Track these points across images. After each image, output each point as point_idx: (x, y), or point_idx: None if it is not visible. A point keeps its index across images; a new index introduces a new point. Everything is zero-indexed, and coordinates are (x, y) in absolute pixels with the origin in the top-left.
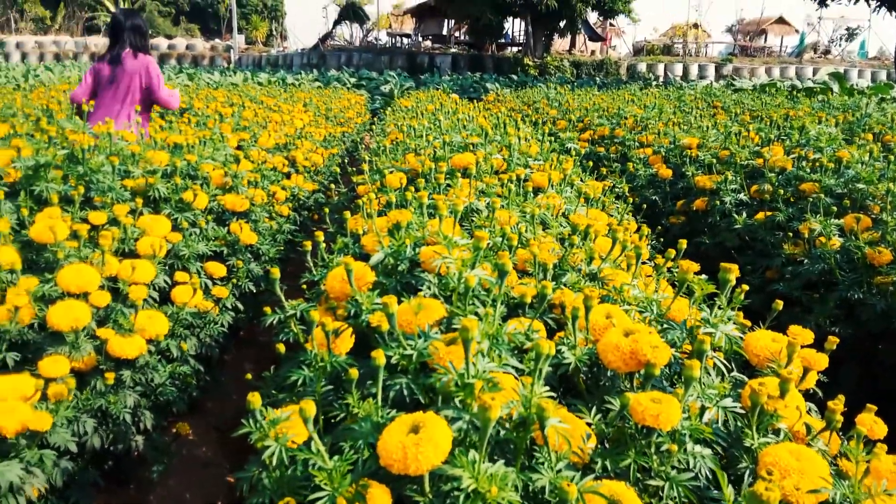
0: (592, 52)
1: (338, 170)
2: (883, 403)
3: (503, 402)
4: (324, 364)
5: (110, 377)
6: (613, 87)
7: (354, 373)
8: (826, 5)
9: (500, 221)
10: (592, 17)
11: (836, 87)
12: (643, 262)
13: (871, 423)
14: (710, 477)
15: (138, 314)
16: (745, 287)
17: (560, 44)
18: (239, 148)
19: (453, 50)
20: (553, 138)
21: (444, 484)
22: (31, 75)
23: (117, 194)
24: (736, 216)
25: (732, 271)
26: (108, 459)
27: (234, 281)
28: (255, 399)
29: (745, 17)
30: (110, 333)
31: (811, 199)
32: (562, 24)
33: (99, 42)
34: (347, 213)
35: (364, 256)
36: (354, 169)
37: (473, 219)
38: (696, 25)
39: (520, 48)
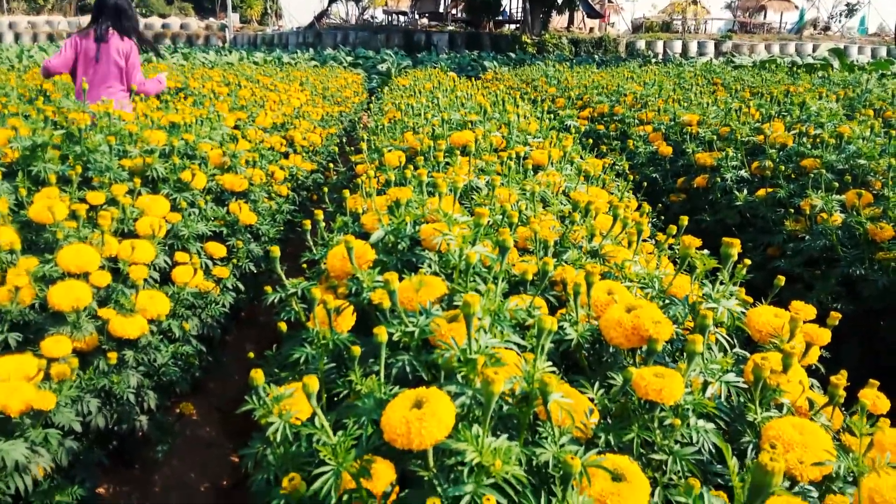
0: (591, 30)
1: (336, 149)
2: (885, 379)
3: (506, 377)
4: (326, 342)
5: (113, 357)
6: (612, 64)
7: (357, 350)
8: None
9: (500, 199)
10: None
11: (836, 64)
12: (644, 240)
13: (873, 397)
14: (713, 451)
15: (139, 294)
16: (748, 262)
17: (558, 21)
18: (236, 128)
19: (450, 28)
20: (552, 116)
21: (447, 458)
22: (26, 56)
23: (115, 174)
24: (737, 193)
25: (734, 246)
26: (113, 439)
27: (235, 261)
28: (258, 375)
29: None
30: (111, 313)
31: (812, 175)
32: (559, 0)
33: None
34: (346, 192)
35: (364, 235)
36: (352, 148)
37: (473, 197)
38: (695, 2)
39: (517, 25)
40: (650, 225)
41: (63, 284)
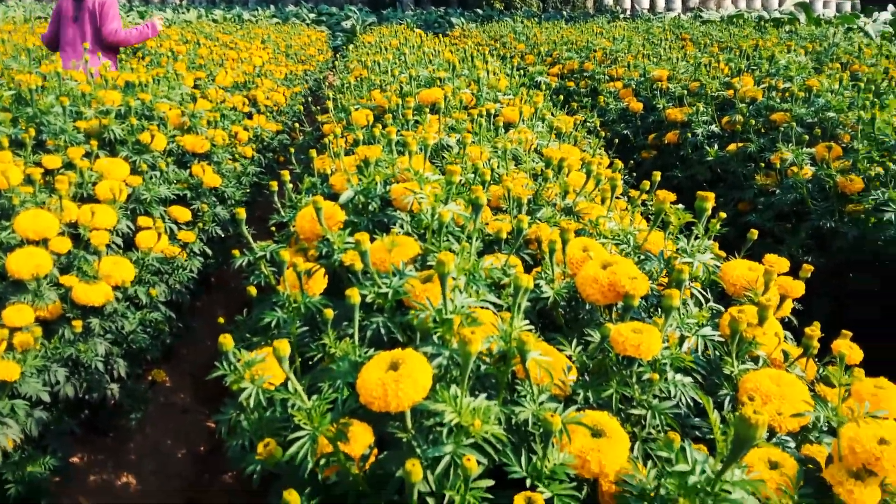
0: None
1: (301, 109)
2: (855, 330)
3: (483, 337)
4: (297, 305)
5: (78, 325)
6: (581, 20)
7: (330, 313)
8: None
9: (471, 157)
10: None
11: (802, 18)
12: (617, 197)
13: (846, 348)
14: (692, 404)
15: (102, 260)
16: (722, 215)
17: None
18: (196, 87)
19: None
20: (522, 73)
21: (426, 419)
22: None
23: (70, 137)
24: (708, 148)
25: (709, 199)
26: (84, 409)
27: (201, 225)
28: (227, 341)
29: None
30: (74, 281)
31: (782, 129)
32: None
33: None
34: (314, 152)
35: (333, 196)
36: (318, 108)
37: (444, 155)
38: None
39: None
40: (623, 182)
41: (22, 251)
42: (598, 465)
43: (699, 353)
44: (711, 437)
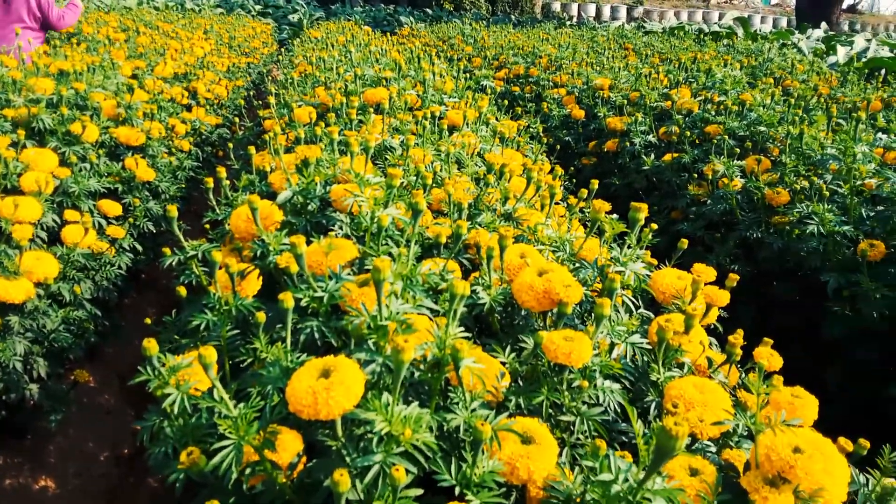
0: None
1: (243, 103)
2: (778, 338)
3: (417, 344)
4: (228, 307)
5: None
6: (529, 25)
7: (261, 316)
8: None
9: (414, 160)
10: None
11: (740, 32)
12: (557, 203)
13: (767, 355)
14: (619, 410)
15: (24, 255)
16: (654, 226)
17: None
18: (133, 77)
19: None
20: (468, 75)
21: (357, 428)
22: None
23: None
24: (645, 157)
25: (642, 210)
26: (1, 410)
27: (132, 220)
28: (151, 345)
29: None
30: None
31: (715, 141)
32: None
33: None
34: (252, 149)
35: (272, 195)
36: (261, 102)
37: (387, 157)
38: None
39: None
40: (563, 188)
41: None
42: (526, 471)
43: (628, 360)
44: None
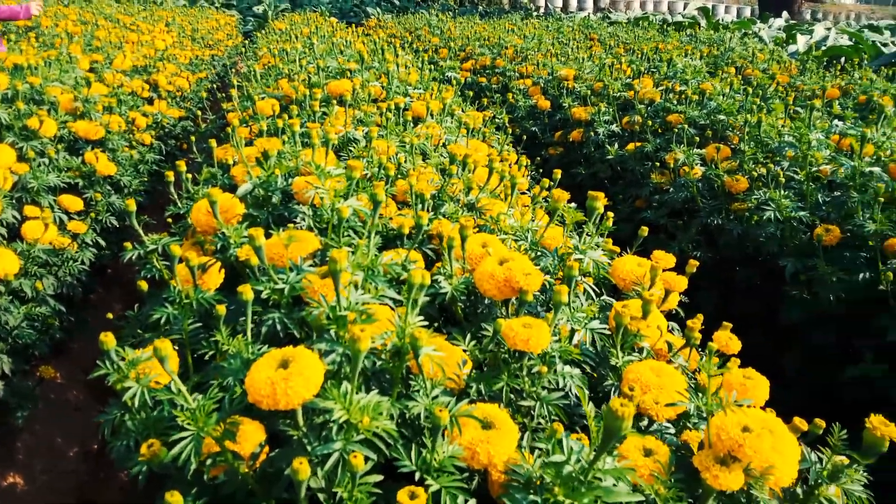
0: None
1: (207, 95)
2: (739, 322)
3: (378, 333)
4: (189, 301)
5: None
6: (496, 16)
7: (221, 309)
8: None
9: (378, 151)
10: None
11: (703, 22)
12: (522, 192)
13: (726, 339)
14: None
15: None
16: (611, 215)
17: None
18: (92, 71)
19: None
20: (433, 67)
21: (317, 417)
22: None
23: None
24: (609, 147)
25: (599, 199)
26: None
27: (94, 215)
28: (108, 339)
29: None
30: None
31: (676, 130)
32: None
33: None
34: (213, 142)
35: (234, 188)
36: (225, 95)
37: (351, 148)
38: None
39: None
40: (529, 177)
41: None
42: (486, 456)
43: (589, 345)
44: None
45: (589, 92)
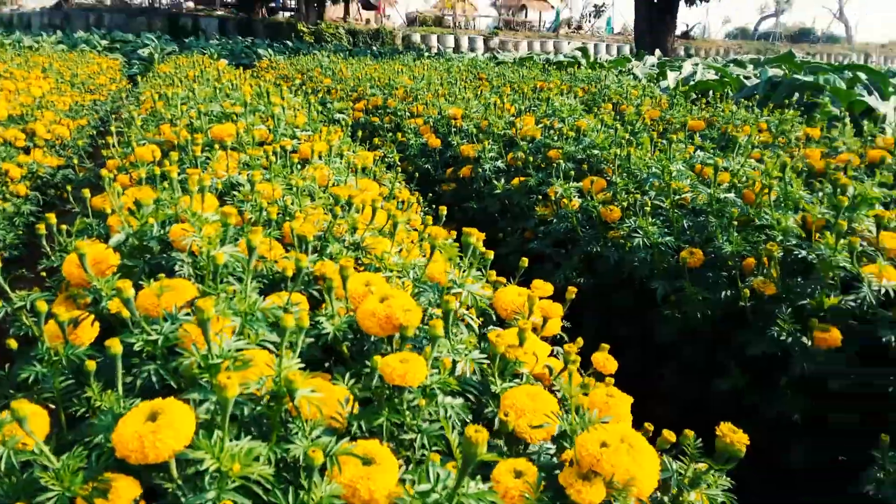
0: (367, 21)
1: (86, 143)
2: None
3: (255, 378)
4: (59, 358)
5: None
6: (389, 56)
7: (91, 365)
8: None
9: (263, 195)
10: None
11: (583, 61)
12: (414, 229)
13: (603, 360)
14: (467, 422)
15: None
16: (491, 253)
17: (333, 10)
18: None
19: (220, 12)
20: (324, 108)
21: (190, 468)
22: None
23: None
24: (496, 182)
25: (473, 235)
26: None
27: None
28: None
29: None
30: None
31: (556, 165)
32: None
33: None
34: (87, 191)
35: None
36: (104, 142)
37: (235, 193)
38: None
39: (292, 13)
40: (422, 213)
41: None
42: (367, 492)
43: (471, 376)
44: None
45: (476, 130)
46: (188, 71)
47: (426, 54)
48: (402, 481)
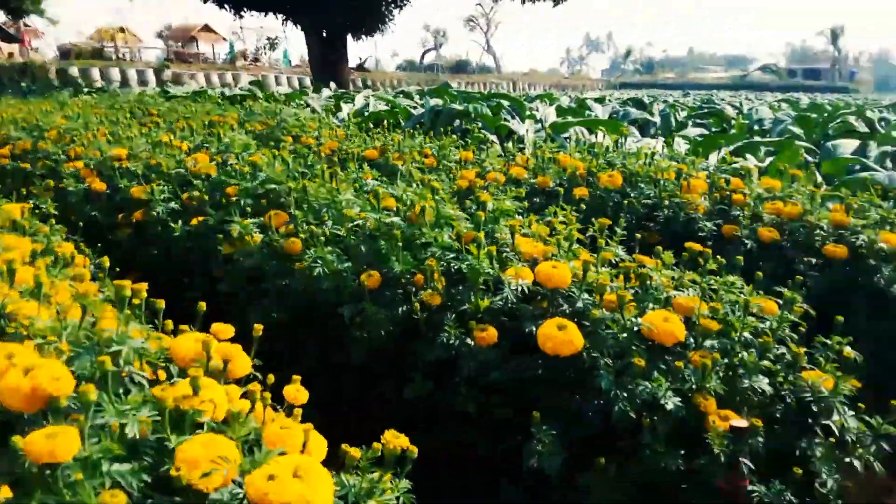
0: (10, 55)
1: None
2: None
3: None
4: None
5: None
6: (40, 93)
7: None
8: (241, 17)
9: None
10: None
11: (259, 94)
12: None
13: (294, 392)
14: (142, 487)
15: None
16: (162, 302)
17: None
18: None
19: None
20: None
21: None
22: None
23: None
24: (173, 224)
25: (126, 287)
26: None
27: None
28: None
29: (173, 24)
30: None
31: (234, 201)
32: None
33: None
34: None
35: None
36: None
37: None
38: (122, 29)
39: None
40: (93, 266)
41: None
42: None
43: (146, 435)
44: None
45: (145, 170)
46: None
47: (86, 90)
48: None
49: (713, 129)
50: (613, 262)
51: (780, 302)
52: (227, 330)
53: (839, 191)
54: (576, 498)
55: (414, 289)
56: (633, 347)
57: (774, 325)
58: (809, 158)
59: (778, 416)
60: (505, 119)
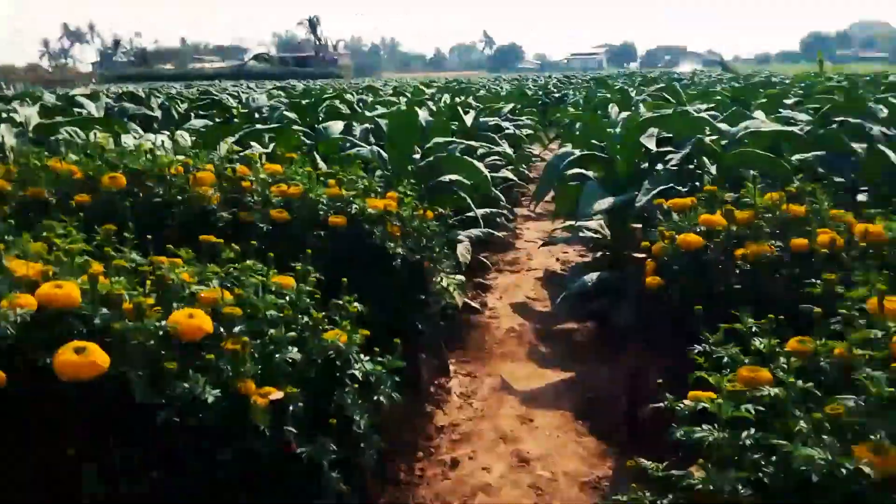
0: None
1: None
2: None
3: None
4: None
5: None
6: None
7: None
8: None
9: None
10: None
11: None
12: None
13: None
14: None
15: None
16: None
17: None
18: None
19: None
20: None
21: None
22: None
23: None
24: None
25: None
26: None
27: None
28: None
29: None
30: None
31: None
32: None
33: None
34: None
35: None
36: None
37: None
38: None
39: None
40: None
41: None
42: None
43: None
44: None
45: None
46: None
47: None
48: None
49: (217, 120)
50: (130, 268)
51: (295, 275)
52: None
53: (333, 168)
54: None
55: None
56: (163, 352)
57: (294, 298)
58: (308, 141)
59: (314, 377)
60: None
